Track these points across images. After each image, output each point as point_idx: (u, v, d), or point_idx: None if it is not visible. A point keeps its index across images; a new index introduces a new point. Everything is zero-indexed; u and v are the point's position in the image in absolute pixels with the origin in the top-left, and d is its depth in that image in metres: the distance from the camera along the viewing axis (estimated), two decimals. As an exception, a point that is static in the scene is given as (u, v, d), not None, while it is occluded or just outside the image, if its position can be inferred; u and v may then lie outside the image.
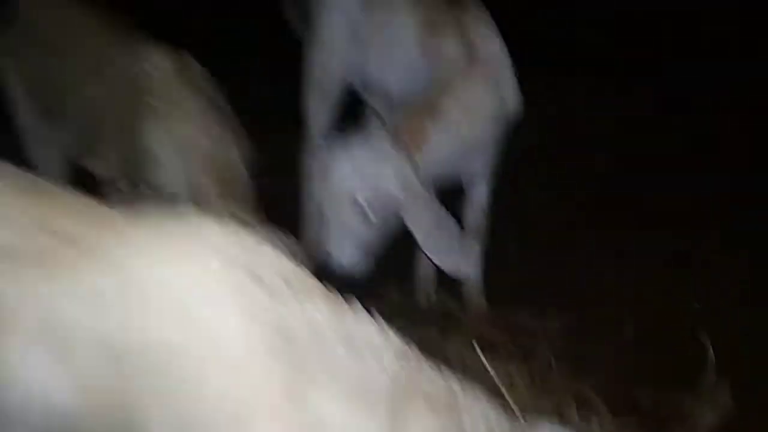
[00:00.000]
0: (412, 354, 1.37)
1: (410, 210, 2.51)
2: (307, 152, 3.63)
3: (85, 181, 3.18)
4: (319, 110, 3.53)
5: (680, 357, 2.73)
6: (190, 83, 2.72)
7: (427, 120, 2.74)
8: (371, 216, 2.48)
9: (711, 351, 2.53)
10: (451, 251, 2.61)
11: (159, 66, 2.72)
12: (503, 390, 2.35)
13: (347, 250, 2.53)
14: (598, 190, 4.08)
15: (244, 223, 2.21)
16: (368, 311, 1.38)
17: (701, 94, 4.70)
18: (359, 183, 2.47)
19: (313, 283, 1.35)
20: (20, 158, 3.26)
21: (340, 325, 1.29)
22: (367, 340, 1.30)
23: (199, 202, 2.51)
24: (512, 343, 2.93)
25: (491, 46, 2.94)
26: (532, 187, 4.03)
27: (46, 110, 3.04)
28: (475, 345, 2.44)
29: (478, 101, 2.82)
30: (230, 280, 1.26)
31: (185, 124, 2.65)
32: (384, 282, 3.14)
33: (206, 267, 1.27)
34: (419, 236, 2.55)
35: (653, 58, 5.17)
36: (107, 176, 3.12)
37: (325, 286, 1.38)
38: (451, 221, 2.65)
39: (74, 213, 1.36)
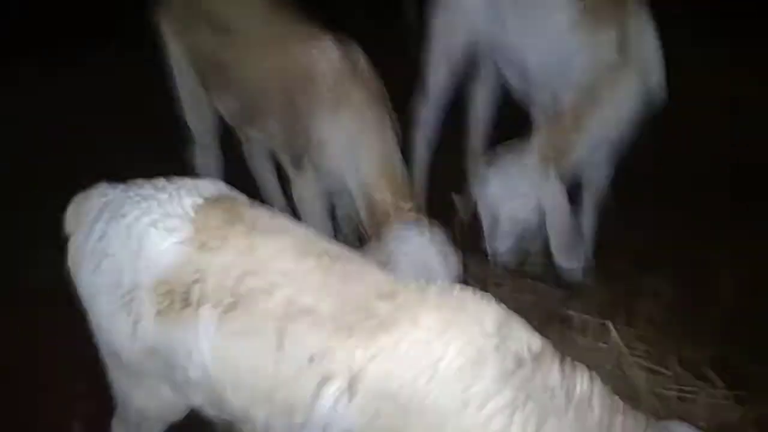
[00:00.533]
0: (613, 400, 1.71)
1: (551, 220, 2.88)
2: (421, 107, 3.84)
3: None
4: (439, 70, 3.70)
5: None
6: (358, 76, 2.87)
7: (573, 134, 2.89)
8: (517, 228, 2.95)
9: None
10: (575, 254, 2.93)
11: (329, 56, 2.87)
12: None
13: (504, 247, 3.03)
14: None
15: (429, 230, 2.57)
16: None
17: None
18: (509, 202, 2.90)
19: (545, 350, 1.68)
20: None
21: (570, 390, 1.63)
22: (585, 398, 1.65)
23: (371, 201, 2.78)
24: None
25: (647, 43, 2.96)
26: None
27: (208, 82, 3.27)
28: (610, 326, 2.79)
29: (625, 101, 2.92)
30: (488, 349, 1.60)
31: (354, 117, 2.82)
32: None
33: (471, 337, 1.62)
34: (554, 241, 2.90)
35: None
36: (267, 146, 3.41)
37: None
38: (577, 227, 2.97)
39: (363, 281, 1.76)
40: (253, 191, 3.88)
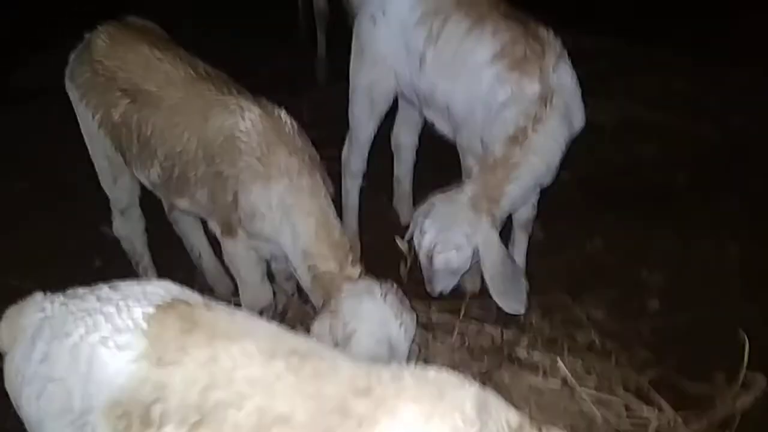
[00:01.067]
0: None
1: (489, 270, 2.96)
2: (351, 157, 3.88)
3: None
4: (367, 124, 3.75)
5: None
6: (286, 142, 2.81)
7: (506, 185, 2.95)
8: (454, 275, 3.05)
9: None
10: (517, 298, 2.99)
11: (253, 124, 2.80)
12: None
13: (444, 289, 3.11)
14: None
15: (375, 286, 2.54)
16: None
17: None
18: (444, 254, 2.96)
19: (523, 423, 1.69)
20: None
21: None
22: None
23: (316, 273, 2.72)
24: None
25: (565, 77, 3.06)
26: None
27: (128, 153, 3.10)
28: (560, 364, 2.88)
29: (554, 147, 3.01)
30: None
31: (287, 187, 2.76)
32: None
33: (453, 426, 1.60)
34: (493, 289, 2.98)
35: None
36: (196, 215, 3.28)
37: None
38: (517, 268, 3.03)
39: (336, 378, 1.68)
40: (180, 252, 3.79)
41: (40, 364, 1.82)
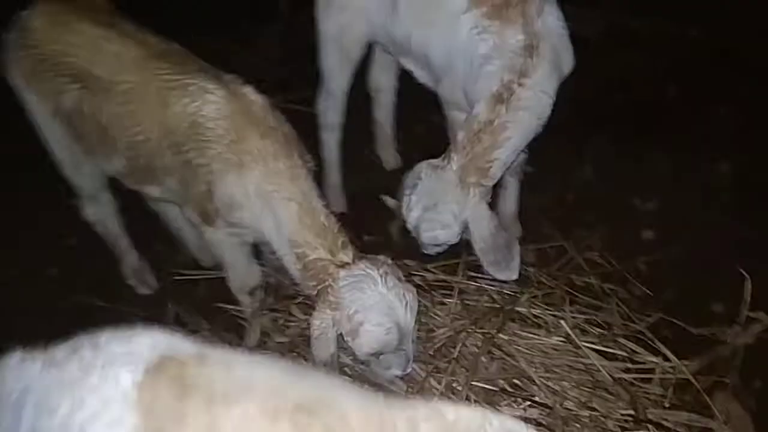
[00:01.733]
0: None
1: (479, 244, 2.83)
2: (327, 111, 3.63)
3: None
4: (341, 73, 3.48)
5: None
6: (257, 123, 2.58)
7: (494, 151, 2.74)
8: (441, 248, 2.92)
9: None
10: (505, 264, 2.87)
11: (218, 107, 2.55)
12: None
13: (430, 252, 3.00)
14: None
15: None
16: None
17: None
18: (430, 232, 2.82)
19: None
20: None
21: None
22: None
23: (306, 262, 2.56)
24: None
25: (551, 20, 2.79)
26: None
27: (86, 143, 2.85)
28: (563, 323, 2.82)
29: (543, 101, 2.77)
30: None
31: (263, 173, 2.56)
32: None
33: None
34: (485, 260, 2.86)
35: None
36: (167, 201, 3.07)
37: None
38: (509, 236, 2.91)
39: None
40: (160, 223, 3.62)
41: None
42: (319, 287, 2.54)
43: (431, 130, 4.35)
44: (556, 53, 2.78)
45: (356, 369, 2.78)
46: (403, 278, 2.60)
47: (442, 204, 2.77)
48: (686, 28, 4.78)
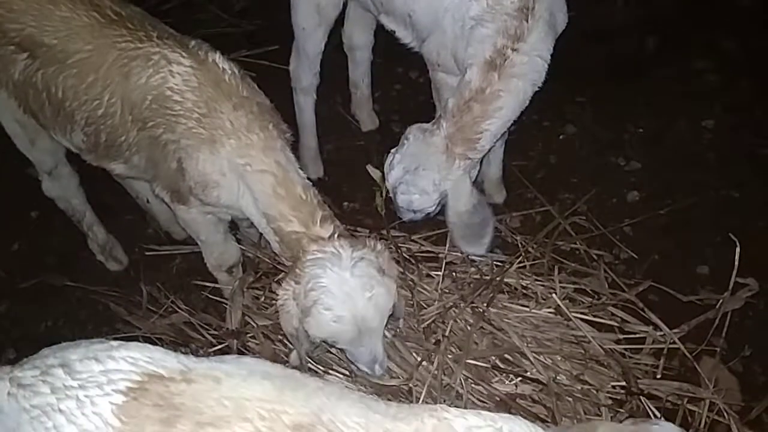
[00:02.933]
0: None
1: (450, 209, 2.74)
2: (301, 73, 3.43)
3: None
4: (315, 33, 3.27)
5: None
6: (227, 93, 2.38)
7: (480, 112, 2.59)
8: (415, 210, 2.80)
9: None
10: (474, 240, 2.80)
11: (185, 79, 2.35)
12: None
13: (405, 217, 2.91)
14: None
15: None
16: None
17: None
18: (407, 196, 2.72)
19: None
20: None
21: None
22: None
23: (282, 235, 2.43)
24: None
25: None
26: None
27: (41, 117, 2.62)
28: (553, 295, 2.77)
29: (538, 66, 2.62)
30: None
31: (236, 147, 2.38)
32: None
33: None
34: (451, 227, 2.78)
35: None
36: (131, 177, 2.88)
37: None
38: (486, 215, 2.79)
39: None
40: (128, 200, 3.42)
41: None
42: (292, 260, 2.41)
43: (410, 88, 4.20)
44: (551, 12, 2.63)
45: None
46: (394, 273, 2.43)
47: (423, 170, 2.67)
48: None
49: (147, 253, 3.35)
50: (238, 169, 2.41)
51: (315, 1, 3.14)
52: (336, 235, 2.40)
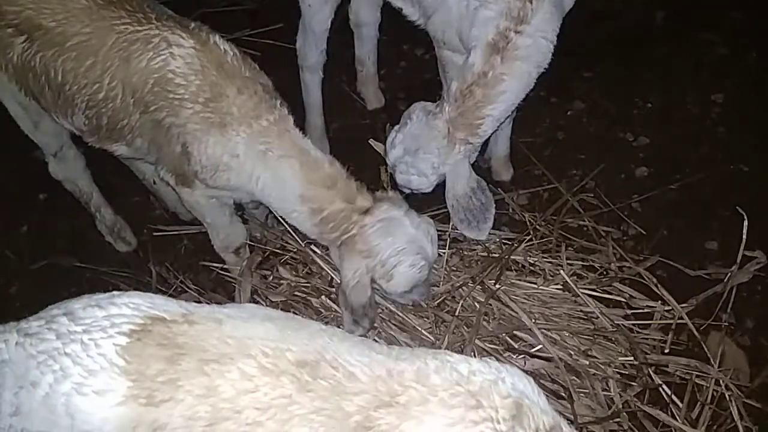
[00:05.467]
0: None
1: (450, 192, 2.77)
2: (308, 51, 3.40)
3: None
4: (322, 9, 3.23)
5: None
6: (231, 77, 2.37)
7: (482, 97, 2.57)
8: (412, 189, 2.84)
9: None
10: (474, 225, 2.80)
11: (188, 61, 2.34)
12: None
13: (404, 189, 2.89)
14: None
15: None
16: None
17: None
18: (404, 175, 2.77)
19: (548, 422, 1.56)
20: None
21: None
22: None
23: (324, 216, 2.46)
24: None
25: None
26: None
27: (42, 100, 2.62)
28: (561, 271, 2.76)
29: (543, 32, 2.57)
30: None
31: (250, 132, 2.38)
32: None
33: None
34: (450, 210, 2.80)
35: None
36: (134, 158, 2.88)
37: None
38: (487, 199, 2.79)
39: (360, 391, 1.52)
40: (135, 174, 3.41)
41: (13, 417, 1.59)
42: (343, 237, 2.46)
43: (416, 66, 4.17)
44: None
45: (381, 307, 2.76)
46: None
47: (423, 152, 2.69)
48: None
49: (155, 234, 3.36)
50: (258, 155, 2.42)
51: None
52: (376, 200, 2.52)
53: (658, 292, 2.85)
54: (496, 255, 2.94)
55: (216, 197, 2.65)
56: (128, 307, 1.65)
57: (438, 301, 2.78)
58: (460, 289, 2.79)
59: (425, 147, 2.67)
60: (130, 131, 2.52)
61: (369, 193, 2.53)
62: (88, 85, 2.43)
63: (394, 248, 2.45)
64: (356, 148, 3.69)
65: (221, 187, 2.54)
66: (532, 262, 2.96)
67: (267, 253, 2.99)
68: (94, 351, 1.56)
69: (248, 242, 2.95)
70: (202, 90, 2.34)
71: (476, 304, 2.75)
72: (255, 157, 2.41)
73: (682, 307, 2.80)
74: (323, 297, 2.82)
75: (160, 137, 2.46)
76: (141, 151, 2.63)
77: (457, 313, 2.68)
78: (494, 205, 2.81)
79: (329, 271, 2.82)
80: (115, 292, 1.73)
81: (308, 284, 2.85)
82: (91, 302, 1.67)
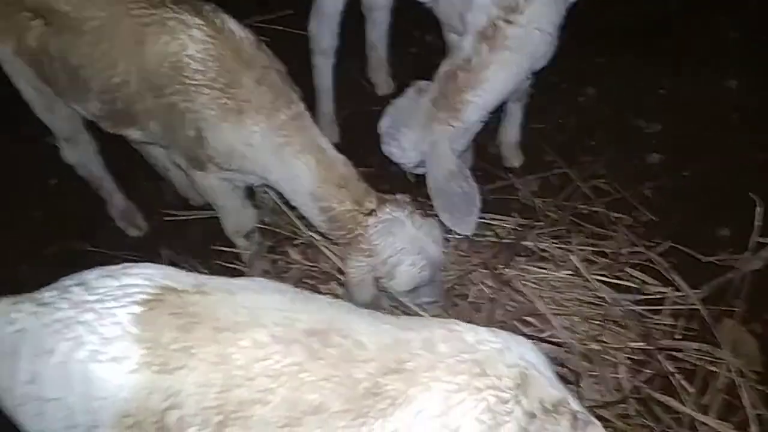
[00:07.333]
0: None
1: (429, 173, 2.75)
2: (320, 34, 3.39)
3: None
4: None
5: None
6: (248, 64, 2.37)
7: (463, 82, 2.57)
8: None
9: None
10: (457, 216, 2.75)
11: (205, 46, 2.33)
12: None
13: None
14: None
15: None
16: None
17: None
18: (389, 137, 2.80)
19: (561, 402, 1.57)
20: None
21: None
22: None
23: (333, 214, 2.48)
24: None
25: None
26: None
27: (57, 85, 2.63)
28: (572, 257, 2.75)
29: (538, 23, 2.56)
30: (505, 415, 1.52)
31: (265, 122, 2.39)
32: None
33: (488, 404, 1.52)
34: (431, 195, 2.75)
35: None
36: (147, 143, 2.89)
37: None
38: (471, 189, 2.73)
39: (369, 359, 1.55)
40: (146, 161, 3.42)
41: (29, 385, 1.64)
42: (349, 236, 2.49)
43: (426, 51, 4.13)
44: None
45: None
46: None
47: (405, 127, 2.71)
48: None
49: (166, 219, 3.37)
50: (275, 147, 2.43)
51: None
52: (381, 203, 2.50)
53: (669, 277, 2.84)
54: (506, 241, 2.93)
55: (228, 179, 2.65)
56: (141, 277, 1.68)
57: (448, 287, 2.77)
58: (471, 275, 2.78)
59: (408, 122, 2.71)
60: (144, 115, 2.53)
61: (376, 195, 2.53)
62: (102, 70, 2.44)
63: (395, 248, 2.46)
64: (366, 135, 3.68)
65: (236, 170, 2.55)
66: (542, 247, 2.95)
67: (278, 239, 3.00)
68: (109, 320, 1.60)
69: (259, 226, 2.95)
70: (221, 76, 2.34)
71: (487, 289, 2.74)
72: (271, 149, 2.42)
73: (694, 293, 2.78)
74: (332, 283, 2.83)
75: (174, 121, 2.47)
76: (155, 136, 2.63)
77: (469, 300, 2.68)
78: (479, 200, 2.73)
79: (335, 261, 2.83)
80: (127, 263, 1.75)
81: (317, 267, 2.86)
82: (105, 273, 1.72)
